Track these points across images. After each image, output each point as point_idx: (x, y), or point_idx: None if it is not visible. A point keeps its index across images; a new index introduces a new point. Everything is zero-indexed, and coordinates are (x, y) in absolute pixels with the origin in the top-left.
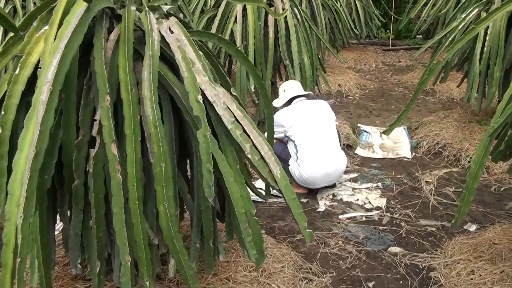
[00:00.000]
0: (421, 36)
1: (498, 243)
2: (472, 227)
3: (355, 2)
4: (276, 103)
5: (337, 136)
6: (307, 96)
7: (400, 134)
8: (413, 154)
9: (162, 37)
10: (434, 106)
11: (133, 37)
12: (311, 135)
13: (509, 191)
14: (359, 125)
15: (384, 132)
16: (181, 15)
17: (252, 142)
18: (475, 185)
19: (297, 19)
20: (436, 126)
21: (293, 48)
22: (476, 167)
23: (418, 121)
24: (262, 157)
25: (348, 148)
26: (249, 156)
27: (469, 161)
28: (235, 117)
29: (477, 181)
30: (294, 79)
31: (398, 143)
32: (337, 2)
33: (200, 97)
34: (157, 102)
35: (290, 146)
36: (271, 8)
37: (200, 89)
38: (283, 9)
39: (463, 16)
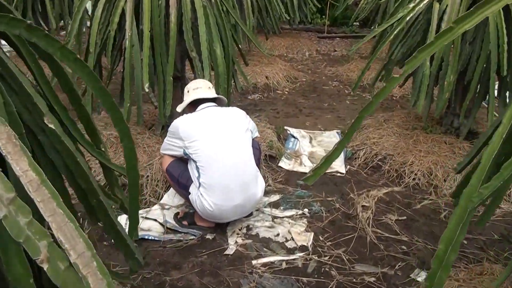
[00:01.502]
0: (358, 24)
1: None
2: (421, 275)
3: None
4: (179, 107)
5: (253, 155)
6: (218, 102)
7: (332, 140)
8: (348, 167)
9: None
10: None
11: None
12: (217, 155)
13: None
14: (286, 128)
15: (305, 180)
16: None
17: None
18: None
19: None
20: (375, 133)
21: (202, 36)
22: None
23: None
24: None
25: (270, 160)
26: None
27: (413, 178)
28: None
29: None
30: (203, 77)
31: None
32: None
33: None
34: None
35: (191, 168)
36: None
37: None
38: None
39: (411, 5)
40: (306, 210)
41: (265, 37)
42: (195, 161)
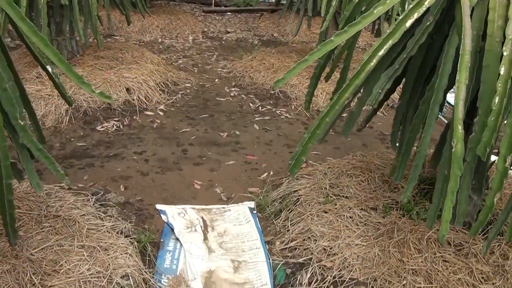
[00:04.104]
0: None
1: None
2: None
3: None
4: None
5: None
6: None
7: (243, 227)
8: None
9: None
10: (292, 130)
11: None
12: None
13: None
14: (158, 207)
15: None
16: None
17: None
18: None
19: None
20: (321, 221)
21: None
22: None
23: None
24: None
25: None
26: None
27: None
28: None
29: None
30: None
31: (244, 269)
32: None
33: None
34: None
35: None
36: None
37: None
38: None
39: None
40: None
41: (123, 15)
42: None
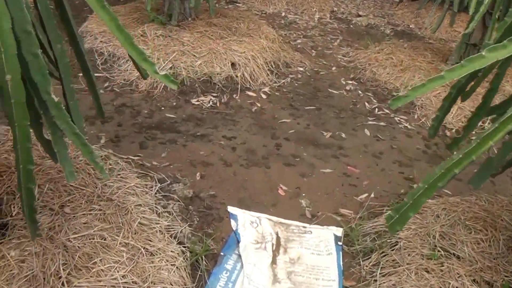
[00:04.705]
0: None
1: None
2: None
3: None
4: None
5: None
6: None
7: (322, 257)
8: None
9: None
10: (409, 145)
11: None
12: None
13: None
14: (229, 210)
15: None
16: None
17: None
18: None
19: None
20: (415, 271)
21: None
22: None
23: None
24: None
25: None
26: None
27: None
28: None
29: None
30: None
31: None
32: None
33: None
34: None
35: None
36: None
37: None
38: None
39: None
40: None
41: None
42: None
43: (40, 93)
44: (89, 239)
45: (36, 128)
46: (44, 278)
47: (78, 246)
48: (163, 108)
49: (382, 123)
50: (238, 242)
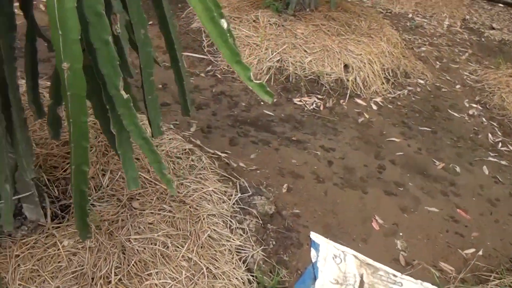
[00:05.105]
0: None
1: None
2: None
3: None
4: None
5: None
6: None
7: None
8: None
9: None
10: None
11: None
12: None
13: None
14: (311, 235)
15: None
16: None
17: None
18: None
19: None
20: None
21: None
22: None
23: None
24: None
25: None
26: None
27: None
28: None
29: None
30: None
31: None
32: None
33: None
34: None
35: None
36: None
37: None
38: None
39: None
40: None
41: None
42: None
43: (107, 87)
44: (151, 244)
45: (103, 121)
46: (92, 279)
47: (137, 250)
48: (262, 103)
49: (504, 162)
50: (315, 278)
